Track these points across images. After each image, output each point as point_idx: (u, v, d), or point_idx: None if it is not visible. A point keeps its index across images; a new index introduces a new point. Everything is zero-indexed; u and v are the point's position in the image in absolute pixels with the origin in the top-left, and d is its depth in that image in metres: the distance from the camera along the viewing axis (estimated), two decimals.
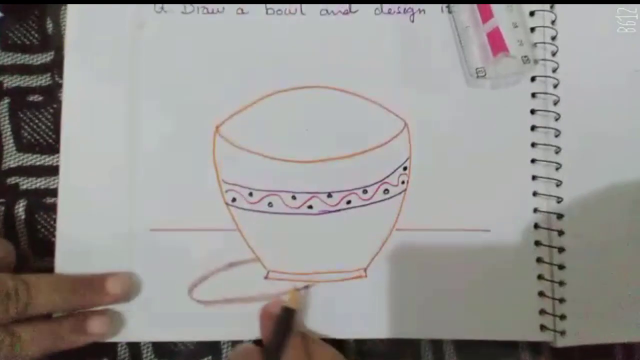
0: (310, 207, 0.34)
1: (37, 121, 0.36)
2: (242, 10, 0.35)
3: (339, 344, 0.34)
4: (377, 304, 0.34)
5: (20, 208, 0.35)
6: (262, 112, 0.35)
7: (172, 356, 0.35)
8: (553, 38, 0.36)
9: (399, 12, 0.36)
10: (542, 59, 0.35)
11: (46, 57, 0.36)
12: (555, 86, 0.35)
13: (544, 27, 0.35)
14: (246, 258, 0.34)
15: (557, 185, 0.35)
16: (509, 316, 0.34)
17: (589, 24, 0.36)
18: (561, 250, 0.34)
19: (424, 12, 0.36)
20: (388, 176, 0.35)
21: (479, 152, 0.35)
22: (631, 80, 0.35)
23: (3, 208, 0.35)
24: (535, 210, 0.35)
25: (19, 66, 0.36)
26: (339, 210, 0.34)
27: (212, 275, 0.34)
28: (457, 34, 0.35)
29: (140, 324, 0.34)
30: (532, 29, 0.35)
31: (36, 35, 0.36)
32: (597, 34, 0.36)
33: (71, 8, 0.35)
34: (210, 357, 0.35)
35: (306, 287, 0.34)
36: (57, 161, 0.35)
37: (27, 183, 0.35)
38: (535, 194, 0.35)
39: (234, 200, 0.34)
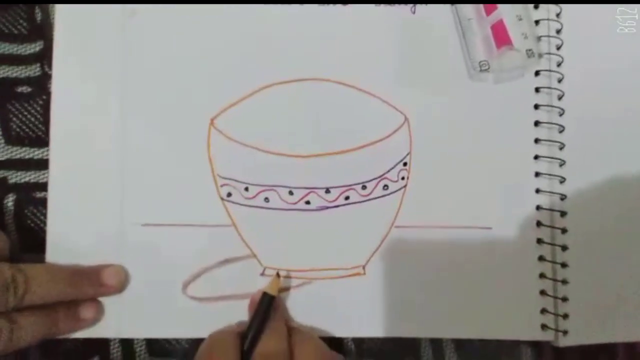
0: (307, 202, 0.34)
1: (26, 113, 0.35)
2: None
3: (337, 343, 0.34)
4: (376, 302, 0.34)
5: (9, 203, 0.34)
6: (258, 104, 0.34)
7: (166, 354, 0.35)
8: (558, 31, 0.35)
9: (400, 3, 0.35)
10: (547, 53, 0.35)
11: (35, 47, 0.35)
12: (559, 81, 0.35)
13: (548, 20, 0.35)
14: (242, 254, 0.34)
15: (561, 182, 0.34)
16: (509, 315, 0.34)
17: (593, 20, 0.35)
18: (564, 248, 0.34)
19: (426, 4, 0.35)
20: (387, 172, 0.34)
21: (480, 147, 0.35)
22: (637, 76, 0.35)
23: None
24: (538, 207, 0.34)
25: (7, 56, 0.35)
26: (337, 206, 0.34)
27: (207, 272, 0.34)
28: (459, 26, 0.35)
29: (133, 321, 0.33)
30: (537, 22, 0.35)
31: (24, 24, 0.35)
32: (600, 30, 0.35)
33: None
34: None
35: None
36: (47, 154, 0.34)
37: (16, 177, 0.35)
38: (538, 191, 0.35)
39: (229, 195, 0.34)
